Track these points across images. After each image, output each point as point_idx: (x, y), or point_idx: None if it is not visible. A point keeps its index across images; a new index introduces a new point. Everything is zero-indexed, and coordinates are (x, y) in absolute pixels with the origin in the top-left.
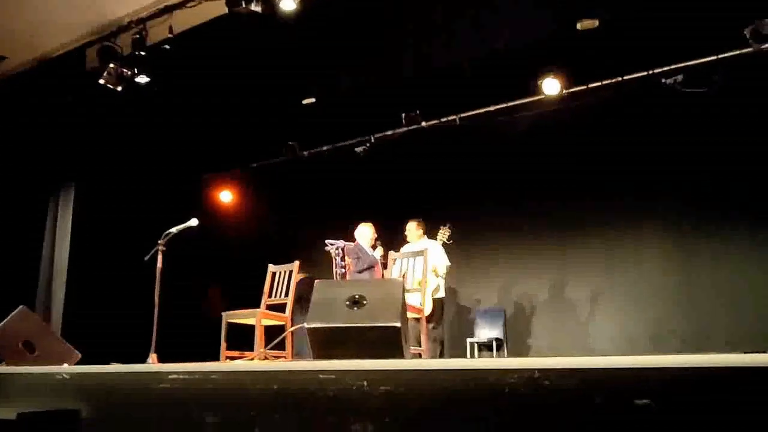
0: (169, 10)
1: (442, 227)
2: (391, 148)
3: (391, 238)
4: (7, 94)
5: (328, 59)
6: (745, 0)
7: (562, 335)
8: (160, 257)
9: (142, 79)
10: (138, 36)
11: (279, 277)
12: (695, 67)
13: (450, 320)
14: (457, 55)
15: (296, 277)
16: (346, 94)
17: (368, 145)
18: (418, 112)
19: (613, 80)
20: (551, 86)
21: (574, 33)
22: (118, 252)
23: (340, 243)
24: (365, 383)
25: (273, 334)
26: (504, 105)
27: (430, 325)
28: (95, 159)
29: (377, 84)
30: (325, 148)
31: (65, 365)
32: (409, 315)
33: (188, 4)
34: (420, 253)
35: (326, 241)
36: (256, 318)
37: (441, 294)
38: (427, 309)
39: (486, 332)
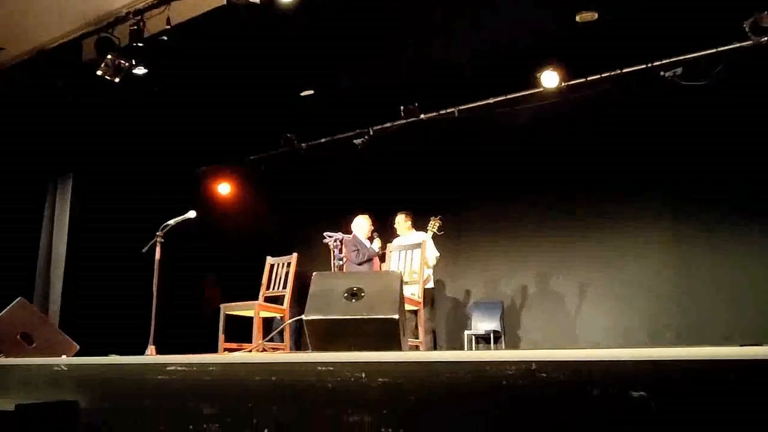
0: (166, 1)
1: (432, 219)
2: (390, 141)
3: (390, 231)
4: (3, 86)
5: (326, 51)
6: None
7: (559, 328)
8: (158, 249)
9: (140, 70)
10: (135, 27)
11: (277, 269)
12: (694, 60)
13: (446, 313)
14: (456, 46)
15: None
16: (345, 86)
17: (367, 137)
18: (416, 104)
19: (612, 73)
20: (550, 79)
21: (573, 25)
22: (116, 244)
23: (339, 235)
24: (363, 375)
25: (271, 326)
26: (503, 98)
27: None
28: (93, 151)
29: (376, 76)
30: (323, 140)
31: (63, 357)
32: (407, 307)
33: None
34: (417, 245)
35: (324, 233)
36: (254, 310)
37: (431, 285)
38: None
39: (484, 324)
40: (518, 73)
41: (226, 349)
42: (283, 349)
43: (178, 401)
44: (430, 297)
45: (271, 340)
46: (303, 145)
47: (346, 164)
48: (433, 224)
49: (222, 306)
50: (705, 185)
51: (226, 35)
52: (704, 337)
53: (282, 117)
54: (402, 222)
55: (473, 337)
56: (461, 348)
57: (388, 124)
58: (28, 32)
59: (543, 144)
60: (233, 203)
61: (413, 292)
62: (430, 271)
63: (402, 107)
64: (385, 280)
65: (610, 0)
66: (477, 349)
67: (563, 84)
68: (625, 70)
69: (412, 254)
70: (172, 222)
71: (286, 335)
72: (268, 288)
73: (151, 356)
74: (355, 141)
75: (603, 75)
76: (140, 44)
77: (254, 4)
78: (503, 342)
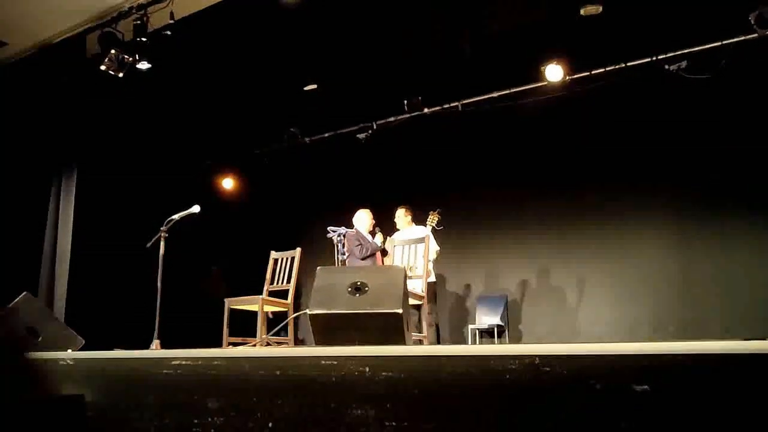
0: None
1: (431, 213)
2: (394, 135)
3: (393, 225)
4: (8, 80)
5: (329, 45)
6: None
7: (562, 322)
8: (162, 244)
9: (144, 65)
10: (139, 22)
11: (281, 263)
12: (699, 53)
13: (450, 307)
14: (460, 41)
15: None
16: (348, 80)
17: (370, 131)
18: (420, 98)
19: (617, 67)
20: (554, 73)
21: (577, 19)
22: (121, 238)
23: (342, 230)
24: (367, 369)
25: (275, 320)
26: (507, 91)
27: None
28: (97, 145)
29: (379, 70)
30: (327, 134)
31: (69, 351)
32: (411, 301)
33: None
34: (421, 240)
35: (328, 228)
36: (259, 304)
37: (432, 278)
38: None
39: (487, 319)
40: (522, 67)
41: (230, 344)
42: (288, 344)
43: (183, 395)
44: (432, 291)
45: (276, 334)
46: (306, 139)
47: (350, 159)
48: (432, 218)
49: (226, 300)
50: (709, 179)
51: (229, 29)
52: (707, 332)
53: (285, 111)
54: (402, 216)
55: (477, 331)
56: (464, 342)
57: (392, 119)
58: (32, 27)
59: (547, 138)
60: (237, 198)
61: (416, 286)
62: (431, 265)
63: (405, 101)
64: (388, 275)
65: None
66: (481, 343)
67: (567, 78)
68: (629, 64)
69: (416, 249)
70: (176, 217)
71: (291, 330)
72: (272, 282)
73: (156, 351)
74: (358, 135)
75: (607, 69)
76: (144, 39)
77: None
78: (507, 336)
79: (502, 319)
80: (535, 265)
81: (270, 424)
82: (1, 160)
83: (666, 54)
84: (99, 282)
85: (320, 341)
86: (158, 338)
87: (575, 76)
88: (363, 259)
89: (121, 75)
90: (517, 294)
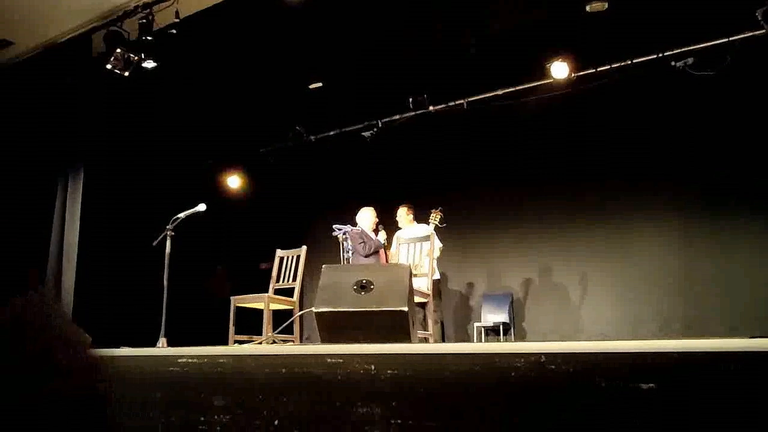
0: None
1: (433, 211)
2: (399, 133)
3: (397, 223)
4: (15, 80)
5: (334, 43)
6: None
7: (567, 320)
8: (168, 242)
9: (149, 64)
10: (144, 21)
11: (286, 261)
12: (706, 49)
13: (454, 305)
14: (466, 38)
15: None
16: (353, 78)
17: (376, 129)
18: (425, 96)
19: (622, 63)
20: (559, 70)
21: (583, 15)
22: (128, 236)
23: (348, 228)
24: (373, 367)
25: (281, 318)
26: (512, 89)
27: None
28: (104, 144)
29: (384, 68)
30: (332, 132)
31: None
32: (416, 299)
33: None
34: (426, 238)
35: (333, 226)
36: (264, 302)
37: (437, 276)
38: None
39: (493, 316)
40: (528, 65)
41: (236, 342)
42: (293, 342)
43: (190, 393)
44: (437, 289)
45: (282, 332)
46: (312, 137)
47: (355, 157)
48: (435, 216)
49: (232, 298)
50: (715, 177)
51: (234, 28)
52: (712, 330)
53: (290, 110)
54: (404, 215)
55: (482, 328)
56: (469, 340)
57: (397, 117)
58: (38, 26)
59: (551, 135)
60: (243, 196)
61: (421, 284)
62: (435, 263)
63: (411, 99)
64: (394, 273)
65: None
66: (486, 340)
67: (573, 75)
68: (635, 61)
69: (421, 247)
70: (182, 215)
71: (296, 327)
72: (278, 280)
73: (162, 348)
74: (363, 133)
75: (613, 65)
76: (149, 38)
77: None
78: (512, 334)
79: (508, 316)
80: (540, 263)
81: (276, 422)
82: (8, 158)
83: (672, 50)
84: (106, 280)
85: (326, 339)
86: (165, 336)
87: (581, 73)
88: (366, 256)
89: (126, 74)
90: (521, 292)
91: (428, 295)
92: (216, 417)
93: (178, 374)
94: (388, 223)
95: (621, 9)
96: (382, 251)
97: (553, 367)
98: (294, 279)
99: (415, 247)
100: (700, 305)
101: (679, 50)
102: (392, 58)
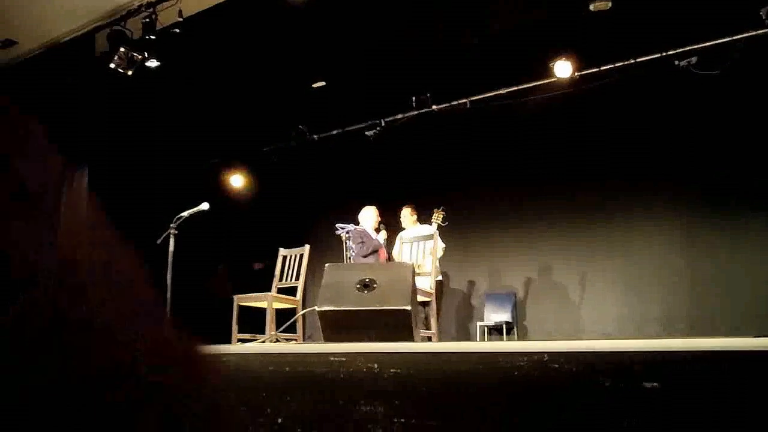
0: None
1: (435, 210)
2: (402, 132)
3: (400, 223)
4: (18, 79)
5: (337, 42)
6: None
7: (571, 319)
8: (171, 241)
9: (153, 63)
10: (148, 20)
11: (289, 260)
12: (709, 48)
13: (456, 304)
14: (468, 36)
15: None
16: (356, 77)
17: (378, 128)
18: (428, 94)
19: (626, 63)
20: (563, 69)
21: (586, 15)
22: (131, 235)
23: (351, 227)
24: (376, 366)
25: (284, 317)
26: (515, 88)
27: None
28: (107, 144)
29: (387, 67)
30: (335, 132)
31: None
32: (419, 298)
33: None
34: (429, 237)
35: (336, 225)
36: (268, 301)
37: (439, 277)
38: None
39: (496, 316)
40: (531, 64)
41: (239, 340)
42: (296, 340)
43: None
44: (440, 289)
45: (285, 331)
46: (315, 136)
47: (358, 156)
48: (437, 216)
49: (235, 297)
50: (718, 176)
51: (237, 27)
52: (716, 329)
53: (294, 109)
54: (408, 215)
55: (485, 328)
56: (471, 339)
57: (400, 116)
58: (41, 26)
59: (554, 134)
60: (246, 195)
61: (424, 283)
62: (437, 263)
63: (414, 98)
64: (397, 272)
65: None
66: (489, 340)
67: (576, 74)
68: (638, 60)
69: (424, 246)
70: (185, 214)
71: (299, 326)
72: (281, 279)
73: None
74: (366, 132)
75: (616, 65)
76: (153, 37)
77: None
78: (515, 333)
79: (510, 315)
80: (542, 262)
81: (279, 420)
82: None
83: (675, 49)
84: None
85: (329, 338)
86: None
87: (584, 72)
88: (364, 256)
89: (130, 73)
90: (523, 291)
91: (431, 294)
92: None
93: None
94: (390, 222)
95: (624, 8)
96: (382, 251)
97: (556, 366)
98: (297, 278)
99: (418, 246)
100: (704, 304)
101: (682, 49)
102: (395, 58)
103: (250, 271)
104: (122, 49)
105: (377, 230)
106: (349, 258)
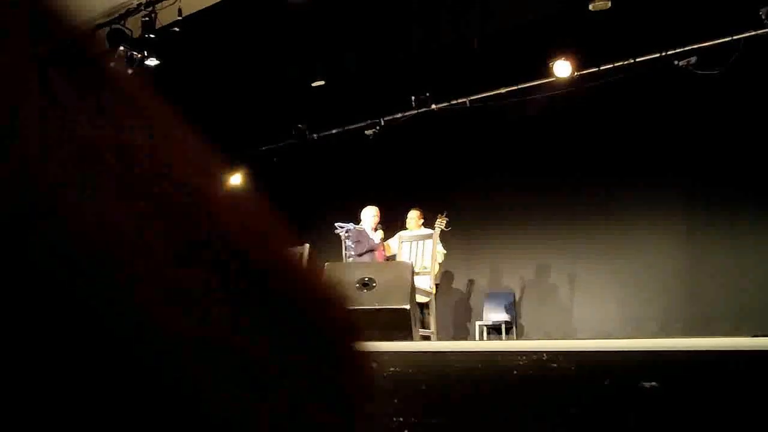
0: None
1: (439, 216)
2: (401, 131)
3: (402, 222)
4: None
5: (337, 40)
6: None
7: (568, 319)
8: None
9: (152, 61)
10: (147, 19)
11: None
12: (709, 48)
13: (455, 303)
14: (468, 36)
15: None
16: (356, 76)
17: (378, 128)
18: (428, 94)
19: (625, 62)
20: (562, 68)
21: (586, 14)
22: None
23: (350, 226)
24: (374, 364)
25: None
26: (514, 87)
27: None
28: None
29: (387, 66)
30: (334, 131)
31: None
32: (418, 298)
33: None
34: (429, 236)
35: (335, 224)
36: None
37: (438, 280)
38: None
39: (495, 315)
40: (530, 63)
41: None
42: None
43: None
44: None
45: None
46: (314, 135)
47: (358, 155)
48: (440, 221)
49: None
50: (717, 176)
51: (237, 26)
52: (716, 329)
53: (293, 108)
54: (416, 218)
55: (484, 327)
56: (470, 338)
57: (399, 115)
58: None
59: (554, 134)
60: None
61: (423, 282)
62: (436, 267)
63: (413, 97)
64: (396, 271)
65: None
66: (488, 339)
67: (575, 73)
68: (638, 59)
69: (424, 245)
70: None
71: None
72: None
73: None
74: (366, 132)
75: (615, 64)
76: (152, 36)
77: None
78: (514, 332)
79: (510, 315)
80: (542, 261)
81: None
82: None
83: (675, 49)
84: None
85: None
86: None
87: (583, 71)
88: (359, 255)
89: (129, 71)
90: (523, 291)
91: (430, 293)
92: None
93: None
94: (391, 221)
95: (624, 7)
96: (379, 251)
97: (555, 365)
98: None
99: (418, 245)
100: (704, 304)
101: (682, 49)
102: (394, 56)
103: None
104: (121, 48)
105: (375, 230)
106: (349, 257)
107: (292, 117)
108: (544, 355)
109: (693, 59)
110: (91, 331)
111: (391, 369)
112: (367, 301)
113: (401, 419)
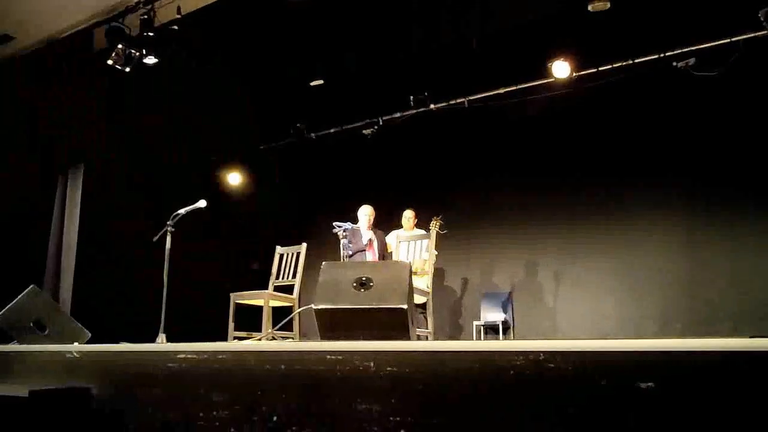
0: None
1: (434, 218)
2: (400, 131)
3: (398, 221)
4: (15, 75)
5: (336, 40)
6: None
7: (566, 319)
8: (168, 238)
9: (151, 59)
10: (146, 16)
11: (286, 258)
12: (708, 50)
13: (453, 303)
14: (467, 36)
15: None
16: (355, 75)
17: (376, 127)
18: (426, 94)
19: (624, 63)
20: (561, 69)
21: (584, 15)
22: (128, 232)
23: (347, 225)
24: (372, 364)
25: (280, 315)
26: (513, 88)
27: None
28: (104, 141)
29: (386, 66)
30: (333, 130)
31: (75, 344)
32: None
33: None
34: (425, 236)
35: (333, 223)
36: (264, 299)
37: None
38: None
39: (492, 315)
40: (529, 64)
41: (235, 338)
42: (293, 338)
43: (188, 389)
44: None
45: (281, 329)
46: (313, 135)
47: (356, 154)
48: (435, 224)
49: (231, 295)
50: (715, 177)
51: (236, 25)
52: (714, 329)
53: (292, 107)
54: (411, 218)
55: (482, 327)
56: (467, 338)
57: (397, 115)
58: (39, 22)
59: (553, 134)
60: (243, 193)
61: (421, 282)
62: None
63: (412, 97)
64: (394, 270)
65: None
66: (485, 339)
67: (574, 74)
68: (636, 60)
69: (421, 246)
70: (182, 211)
71: (296, 324)
72: (277, 277)
73: (161, 344)
74: (364, 131)
75: (614, 65)
76: (151, 34)
77: None
78: (511, 332)
79: (507, 315)
80: (540, 262)
81: (275, 418)
82: (8, 154)
83: (674, 50)
84: (105, 276)
85: (325, 336)
86: (164, 332)
87: (582, 72)
88: (349, 256)
89: (127, 69)
90: (521, 290)
91: (427, 293)
92: (215, 412)
93: (177, 370)
94: (389, 221)
95: (623, 8)
96: (371, 249)
97: (551, 365)
98: (294, 276)
99: (415, 245)
100: (703, 305)
101: (680, 50)
102: (393, 56)
103: (246, 269)
104: (120, 46)
105: (370, 229)
106: (346, 256)
107: (290, 116)
108: (541, 354)
109: (692, 61)
110: None
111: (388, 369)
112: (365, 301)
113: (398, 419)
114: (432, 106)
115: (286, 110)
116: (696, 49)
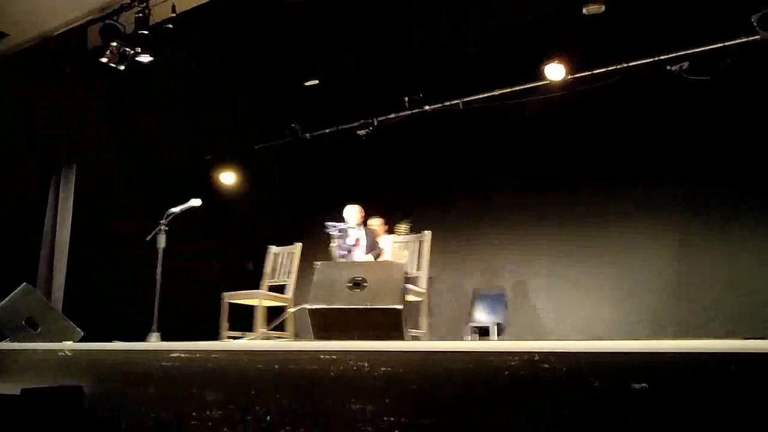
0: None
1: (399, 223)
2: (394, 131)
3: (393, 222)
4: (8, 73)
5: (332, 39)
6: None
7: (560, 321)
8: (162, 237)
9: (145, 58)
10: (141, 14)
11: (280, 258)
12: (701, 54)
13: (447, 305)
14: (462, 38)
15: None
16: (350, 76)
17: (371, 128)
18: (421, 95)
19: (618, 66)
20: (555, 72)
21: (579, 18)
22: (120, 231)
23: (341, 225)
24: (366, 364)
25: (274, 315)
26: (508, 90)
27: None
28: (98, 139)
29: (381, 67)
30: (327, 130)
31: (68, 342)
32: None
33: None
34: (420, 238)
35: (326, 223)
36: (258, 299)
37: None
38: None
39: (486, 317)
40: (524, 66)
41: (229, 338)
42: (287, 338)
43: (181, 388)
44: None
45: (275, 329)
46: (307, 135)
47: (351, 155)
48: (399, 228)
49: (225, 295)
50: (710, 180)
51: (231, 24)
52: (707, 331)
53: (287, 107)
54: (380, 225)
55: (476, 328)
56: (460, 339)
57: (392, 115)
58: (32, 19)
59: (547, 137)
60: (237, 192)
61: (415, 283)
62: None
63: (407, 98)
64: (388, 271)
65: None
66: (480, 340)
67: (569, 77)
68: (630, 64)
69: (420, 245)
70: (176, 210)
71: (290, 324)
72: (272, 277)
73: (154, 343)
74: (359, 132)
75: (608, 68)
76: (145, 32)
77: None
78: (506, 334)
79: (501, 317)
80: (534, 263)
81: (268, 418)
82: (5, 152)
83: (668, 54)
84: (97, 274)
85: (319, 336)
86: (157, 331)
87: (576, 75)
88: (341, 257)
89: (122, 67)
90: (515, 292)
91: (423, 293)
92: (208, 412)
93: (170, 369)
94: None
95: (617, 12)
96: (360, 247)
97: (546, 366)
98: (288, 276)
99: (409, 246)
100: (697, 308)
101: (674, 54)
102: (388, 57)
103: (240, 269)
104: (114, 44)
105: (359, 228)
106: (339, 256)
107: (285, 116)
108: (536, 355)
109: (685, 64)
110: None
111: (383, 369)
112: (359, 301)
113: (392, 419)
114: (426, 107)
115: (284, 110)
116: (689, 53)
